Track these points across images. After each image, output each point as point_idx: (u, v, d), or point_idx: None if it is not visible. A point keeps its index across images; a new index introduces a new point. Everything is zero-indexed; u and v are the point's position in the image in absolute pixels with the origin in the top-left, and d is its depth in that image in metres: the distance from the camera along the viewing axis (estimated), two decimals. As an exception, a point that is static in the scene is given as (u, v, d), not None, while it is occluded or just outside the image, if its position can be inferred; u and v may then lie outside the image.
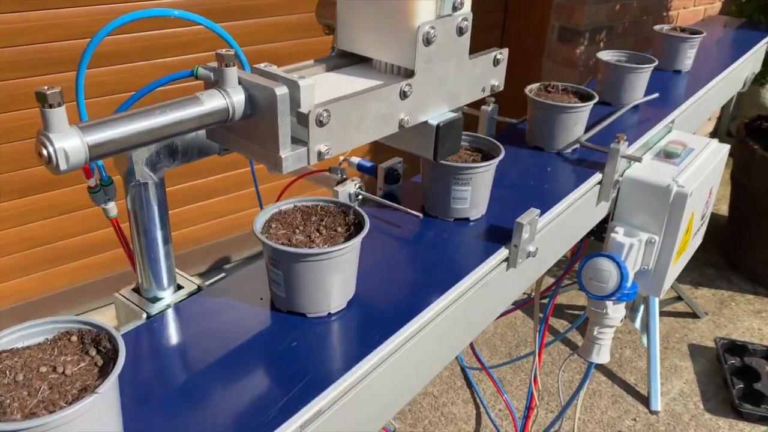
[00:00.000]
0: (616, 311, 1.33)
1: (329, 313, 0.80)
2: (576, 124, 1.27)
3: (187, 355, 0.74)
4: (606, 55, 1.59)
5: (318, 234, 0.79)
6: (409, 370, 0.81)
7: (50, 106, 0.53)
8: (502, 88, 0.94)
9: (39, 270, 2.39)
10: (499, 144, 1.03)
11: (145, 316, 0.80)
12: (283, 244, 0.76)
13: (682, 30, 1.88)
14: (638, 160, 1.19)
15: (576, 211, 1.17)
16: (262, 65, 0.70)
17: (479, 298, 0.93)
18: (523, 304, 1.88)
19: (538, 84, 1.35)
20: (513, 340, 2.59)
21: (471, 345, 1.65)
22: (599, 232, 1.42)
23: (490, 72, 0.91)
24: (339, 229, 0.80)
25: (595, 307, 1.33)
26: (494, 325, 2.68)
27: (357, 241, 0.76)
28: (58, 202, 2.26)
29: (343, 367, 0.71)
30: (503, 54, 0.91)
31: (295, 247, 0.75)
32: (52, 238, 2.33)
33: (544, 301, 1.82)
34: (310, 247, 0.76)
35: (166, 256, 0.82)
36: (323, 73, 0.83)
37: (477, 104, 1.36)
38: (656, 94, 1.55)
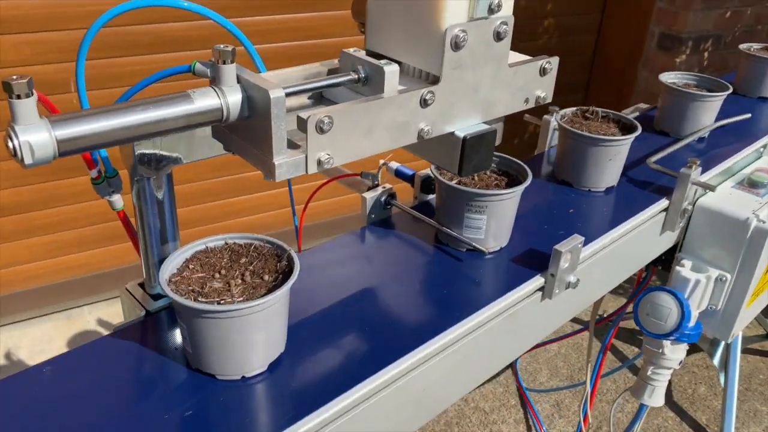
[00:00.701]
0: (674, 352, 1.21)
1: (243, 377, 0.68)
2: (610, 160, 1.10)
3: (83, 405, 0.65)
4: (670, 77, 1.38)
5: (240, 281, 0.68)
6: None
7: (17, 97, 0.50)
8: (549, 99, 0.85)
9: (100, 246, 2.49)
10: (527, 168, 0.94)
11: (143, 313, 0.78)
12: (185, 293, 0.65)
13: None
14: (711, 188, 1.07)
15: (634, 239, 1.06)
16: (351, 50, 0.71)
17: (496, 334, 0.85)
18: (577, 332, 1.75)
19: (574, 108, 1.20)
20: (576, 363, 2.45)
21: (513, 366, 1.55)
22: (668, 262, 1.29)
23: (535, 82, 0.82)
24: (266, 277, 0.69)
25: (651, 345, 1.21)
26: (558, 344, 2.54)
27: (276, 296, 0.64)
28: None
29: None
30: (552, 63, 0.82)
31: (205, 296, 0.64)
32: (109, 217, 2.43)
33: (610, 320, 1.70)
34: (221, 300, 0.64)
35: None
36: (346, 75, 0.77)
37: (541, 113, 1.27)
38: (747, 115, 1.39)
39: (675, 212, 1.10)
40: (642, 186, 1.14)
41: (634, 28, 3.03)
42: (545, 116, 1.26)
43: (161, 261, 0.79)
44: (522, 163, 0.95)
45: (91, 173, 0.71)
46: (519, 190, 0.90)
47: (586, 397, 1.51)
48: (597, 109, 1.17)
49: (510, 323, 0.87)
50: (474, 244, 0.91)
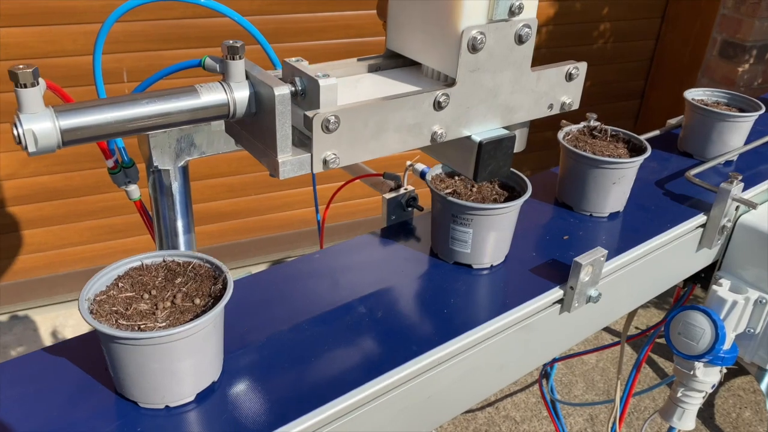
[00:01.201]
0: (707, 375, 1.15)
1: (167, 407, 0.63)
2: (614, 184, 1.00)
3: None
4: (697, 94, 1.27)
5: (169, 305, 0.63)
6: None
7: (23, 86, 0.52)
8: (576, 106, 0.82)
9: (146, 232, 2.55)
10: (528, 184, 0.88)
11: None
12: (105, 314, 0.61)
13: None
14: (753, 206, 1.01)
15: (667, 255, 1.01)
16: (293, 60, 0.65)
17: (510, 345, 0.82)
18: (614, 344, 1.70)
19: (581, 124, 1.11)
20: (614, 377, 2.38)
21: (540, 379, 1.51)
22: (707, 280, 1.23)
23: (560, 88, 0.79)
24: (197, 300, 0.64)
25: (682, 366, 1.16)
26: (596, 357, 2.48)
27: (201, 322, 0.59)
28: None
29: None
30: (579, 69, 0.79)
31: (127, 319, 0.60)
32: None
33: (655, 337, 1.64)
34: (142, 325, 0.60)
35: (186, 245, 0.80)
36: (364, 74, 0.77)
37: (577, 119, 1.23)
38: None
39: (713, 229, 1.05)
40: (679, 200, 1.09)
41: (695, 35, 2.92)
42: (583, 123, 1.22)
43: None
44: (525, 178, 0.90)
45: (107, 163, 0.73)
46: (516, 204, 0.85)
47: (616, 416, 1.46)
48: (606, 127, 1.09)
49: (525, 335, 0.85)
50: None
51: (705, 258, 1.12)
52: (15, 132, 0.52)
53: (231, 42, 0.60)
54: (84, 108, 0.55)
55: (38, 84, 0.52)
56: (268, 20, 2.37)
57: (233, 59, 0.61)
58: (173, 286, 0.65)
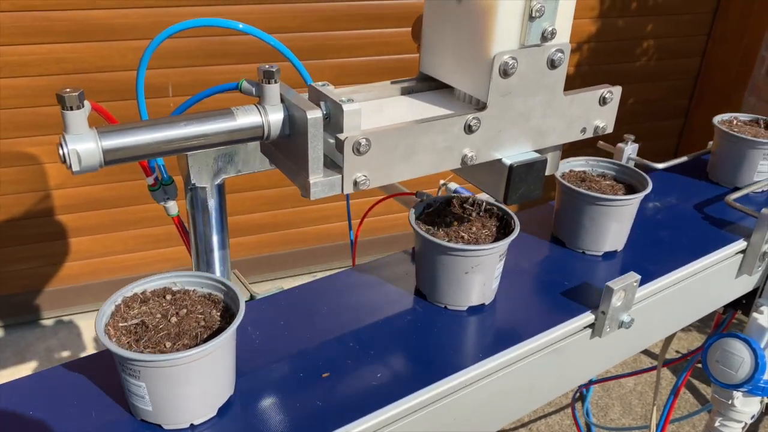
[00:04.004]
0: (746, 405, 1.12)
1: (191, 425, 0.65)
2: (615, 222, 0.94)
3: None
4: (726, 120, 1.22)
5: (185, 326, 0.65)
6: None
7: (70, 109, 0.54)
8: (609, 130, 0.82)
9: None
10: (515, 220, 0.84)
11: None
12: (123, 340, 0.63)
13: None
14: (794, 233, 0.98)
15: (703, 281, 0.99)
16: (319, 84, 0.67)
17: (539, 368, 0.82)
18: (650, 369, 1.66)
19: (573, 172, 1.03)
20: (652, 401, 2.32)
21: (573, 403, 1.49)
22: (748, 306, 1.20)
23: (594, 112, 0.79)
24: (211, 322, 0.66)
25: (720, 395, 1.14)
26: (634, 381, 2.42)
27: (203, 349, 0.60)
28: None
29: None
30: (614, 93, 0.79)
31: (146, 342, 0.62)
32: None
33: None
34: (158, 349, 0.61)
35: (222, 261, 0.83)
36: (396, 96, 0.78)
37: (615, 140, 1.22)
38: None
39: (753, 255, 1.03)
40: (718, 224, 1.07)
41: (743, 53, 2.85)
42: (619, 144, 1.21)
43: (211, 268, 0.82)
44: (512, 214, 0.86)
45: (147, 180, 0.75)
46: (502, 245, 0.80)
47: (650, 442, 1.43)
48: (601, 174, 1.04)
49: (556, 358, 0.84)
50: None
51: (745, 285, 1.10)
52: (60, 152, 0.55)
53: (267, 66, 0.62)
54: (125, 129, 0.57)
55: (83, 106, 0.55)
56: (309, 37, 2.41)
57: (269, 83, 0.63)
58: (186, 309, 0.67)
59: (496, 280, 0.85)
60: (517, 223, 0.83)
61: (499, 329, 0.82)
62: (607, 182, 1.01)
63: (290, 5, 2.34)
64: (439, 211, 0.88)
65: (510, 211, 0.86)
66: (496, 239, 0.82)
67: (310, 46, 2.42)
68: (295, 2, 2.34)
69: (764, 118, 1.22)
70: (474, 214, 0.87)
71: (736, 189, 1.16)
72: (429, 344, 0.79)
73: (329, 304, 0.84)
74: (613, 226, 0.95)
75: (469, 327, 0.83)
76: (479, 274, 0.81)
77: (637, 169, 1.01)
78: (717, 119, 1.22)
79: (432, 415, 0.73)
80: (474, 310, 0.85)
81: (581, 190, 0.94)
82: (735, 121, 1.24)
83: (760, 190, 1.17)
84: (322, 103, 0.63)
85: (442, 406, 0.73)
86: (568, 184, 0.95)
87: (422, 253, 0.84)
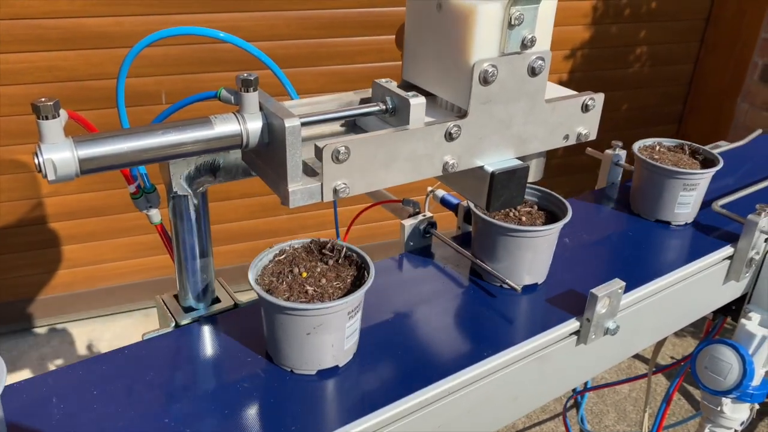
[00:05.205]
0: (735, 411, 1.12)
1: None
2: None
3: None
4: (648, 147, 1.13)
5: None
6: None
7: (45, 118, 0.54)
8: (593, 137, 0.82)
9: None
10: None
11: (173, 324, 0.81)
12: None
13: None
14: (780, 238, 0.98)
15: (690, 287, 0.99)
16: (383, 80, 0.74)
17: (524, 376, 0.82)
18: (642, 376, 1.66)
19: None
20: (647, 408, 2.31)
21: (565, 411, 1.49)
22: (737, 312, 1.20)
23: (576, 118, 0.79)
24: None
25: (709, 401, 1.13)
26: (629, 387, 2.42)
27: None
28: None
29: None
30: (596, 100, 0.79)
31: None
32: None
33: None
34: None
35: (203, 269, 0.82)
36: (379, 104, 0.78)
37: (602, 146, 1.22)
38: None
39: (740, 261, 1.03)
40: (705, 231, 1.07)
41: (735, 60, 2.86)
42: (607, 151, 1.21)
43: (194, 275, 0.82)
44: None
45: (129, 188, 0.75)
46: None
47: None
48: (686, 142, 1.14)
49: (540, 366, 0.84)
50: (507, 280, 0.88)
51: (733, 291, 1.10)
52: (36, 161, 0.55)
53: (245, 75, 0.62)
54: (101, 138, 0.57)
55: (59, 116, 0.55)
56: (303, 44, 2.42)
57: (247, 91, 0.63)
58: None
59: (349, 339, 0.74)
60: (372, 274, 0.73)
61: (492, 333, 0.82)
62: (526, 209, 0.93)
63: (284, 12, 2.34)
64: (293, 258, 0.78)
65: (368, 259, 0.76)
66: (348, 293, 0.72)
67: (305, 54, 2.43)
68: (289, 10, 2.34)
69: (690, 144, 1.14)
70: (331, 261, 0.77)
71: (657, 221, 1.10)
72: (416, 354, 0.78)
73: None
74: (529, 255, 0.88)
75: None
76: (324, 334, 0.71)
77: (559, 196, 0.93)
78: (638, 145, 1.12)
79: (415, 423, 0.72)
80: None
81: (500, 223, 0.87)
82: (658, 147, 1.14)
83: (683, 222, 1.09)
84: (387, 98, 0.70)
85: (426, 414, 0.73)
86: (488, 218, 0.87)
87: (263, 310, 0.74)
